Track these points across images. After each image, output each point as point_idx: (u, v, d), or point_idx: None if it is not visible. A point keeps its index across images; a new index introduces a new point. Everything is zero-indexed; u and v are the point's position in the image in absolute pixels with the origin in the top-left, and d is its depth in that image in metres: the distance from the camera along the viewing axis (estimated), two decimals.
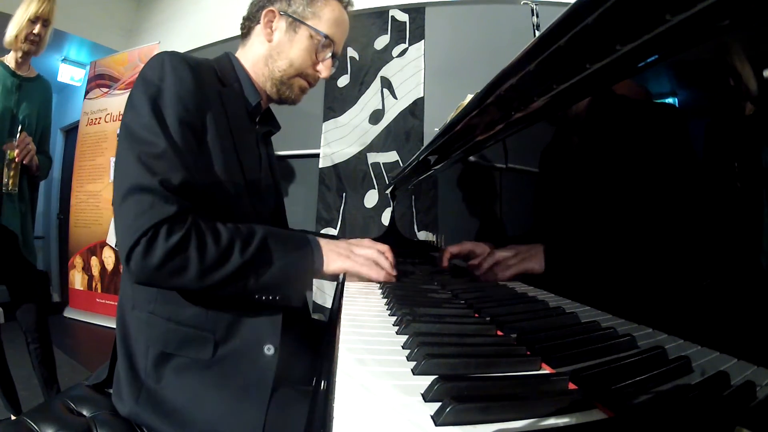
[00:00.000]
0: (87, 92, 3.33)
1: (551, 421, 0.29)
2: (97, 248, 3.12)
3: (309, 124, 2.37)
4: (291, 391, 0.65)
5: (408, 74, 2.19)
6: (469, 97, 0.78)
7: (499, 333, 0.49)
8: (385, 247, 0.80)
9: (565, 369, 0.37)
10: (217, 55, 0.84)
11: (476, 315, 0.57)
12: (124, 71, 3.14)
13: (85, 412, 0.68)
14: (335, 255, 0.73)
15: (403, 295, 0.65)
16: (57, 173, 4.01)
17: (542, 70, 0.47)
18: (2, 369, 1.49)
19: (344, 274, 0.75)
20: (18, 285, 1.53)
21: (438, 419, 0.28)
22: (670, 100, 0.36)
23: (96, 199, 3.16)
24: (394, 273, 0.78)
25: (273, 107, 0.93)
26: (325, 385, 0.34)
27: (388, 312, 0.57)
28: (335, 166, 2.32)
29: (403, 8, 2.23)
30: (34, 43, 1.50)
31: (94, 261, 3.13)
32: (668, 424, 0.28)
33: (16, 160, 1.44)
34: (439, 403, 0.29)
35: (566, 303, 0.49)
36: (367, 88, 2.29)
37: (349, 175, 2.28)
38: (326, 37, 0.81)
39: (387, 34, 2.26)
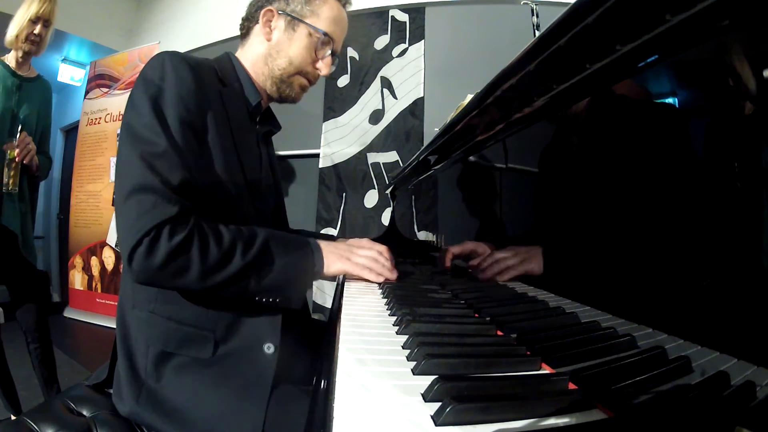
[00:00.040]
0: (87, 92, 3.33)
1: (551, 421, 0.29)
2: (97, 248, 3.12)
3: (309, 124, 2.37)
4: (291, 391, 0.65)
5: (408, 74, 2.19)
6: (469, 97, 0.78)
7: (499, 333, 0.49)
8: (383, 248, 0.81)
9: (565, 369, 0.37)
10: (217, 55, 0.85)
11: (476, 315, 0.57)
12: (124, 71, 3.14)
13: (85, 412, 0.68)
14: (335, 257, 0.73)
15: (403, 295, 0.65)
16: (57, 173, 4.01)
17: (542, 70, 0.47)
18: (2, 369, 1.49)
19: (344, 275, 0.76)
20: (18, 285, 1.53)
21: (438, 419, 0.28)
22: (670, 100, 0.36)
23: (96, 199, 3.16)
24: (395, 274, 0.78)
25: (273, 106, 0.93)
26: (325, 384, 0.34)
27: (388, 312, 0.57)
28: (335, 166, 2.32)
29: (403, 8, 2.23)
30: (34, 44, 1.50)
31: (94, 261, 3.13)
32: (668, 424, 0.28)
33: (17, 159, 1.44)
34: (439, 403, 0.29)
35: (566, 303, 0.49)
36: (367, 88, 2.29)
37: (349, 175, 2.28)
38: (325, 34, 0.81)
39: (387, 34, 2.26)
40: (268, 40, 0.82)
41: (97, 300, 3.10)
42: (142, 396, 0.64)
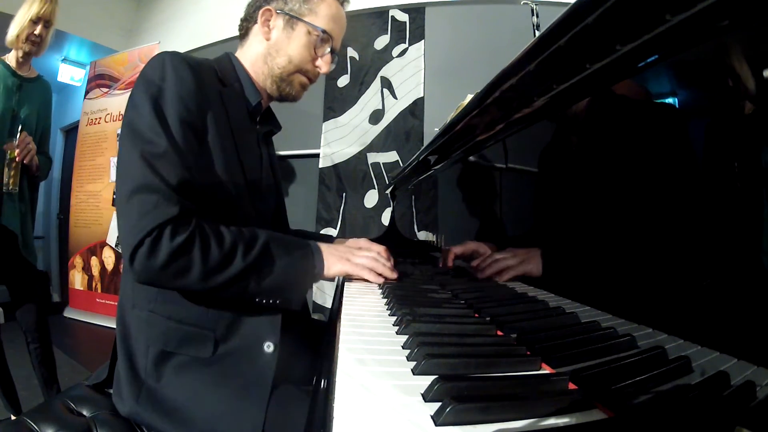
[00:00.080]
0: (87, 92, 3.33)
1: (551, 421, 0.29)
2: (97, 248, 3.12)
3: (309, 124, 2.37)
4: (291, 390, 0.65)
5: (408, 74, 2.19)
6: (469, 97, 0.78)
7: (499, 333, 0.49)
8: (381, 248, 0.81)
9: (565, 369, 0.37)
10: (218, 56, 0.85)
11: (476, 315, 0.57)
12: (124, 71, 3.14)
13: (85, 412, 0.68)
14: (335, 258, 0.74)
15: (403, 295, 0.65)
16: (57, 173, 4.01)
17: (542, 70, 0.47)
18: (2, 369, 1.49)
19: (344, 276, 0.76)
20: (18, 285, 1.53)
21: (438, 419, 0.28)
22: (670, 100, 0.36)
23: (96, 199, 3.16)
24: (395, 274, 0.79)
25: (273, 106, 0.93)
26: (325, 384, 0.34)
27: (388, 312, 0.57)
28: (335, 166, 2.32)
29: (403, 8, 2.23)
30: (35, 44, 1.50)
31: (94, 261, 3.13)
32: (668, 424, 0.28)
33: (17, 159, 1.44)
34: (439, 403, 0.29)
35: (566, 303, 0.49)
36: (367, 88, 2.29)
37: (349, 175, 2.28)
38: (324, 32, 0.82)
39: (387, 34, 2.26)
40: (267, 39, 0.82)
41: (97, 300, 3.10)
42: (142, 396, 0.64)
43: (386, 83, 2.24)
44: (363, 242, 0.83)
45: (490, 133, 0.71)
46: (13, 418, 1.44)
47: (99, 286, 3.10)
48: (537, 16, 1.22)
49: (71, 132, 3.88)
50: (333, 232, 2.29)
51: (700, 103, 0.33)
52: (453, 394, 0.30)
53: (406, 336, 0.45)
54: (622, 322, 0.40)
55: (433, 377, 0.32)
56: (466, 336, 0.47)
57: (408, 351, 0.41)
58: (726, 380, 0.27)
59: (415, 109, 2.16)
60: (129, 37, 3.51)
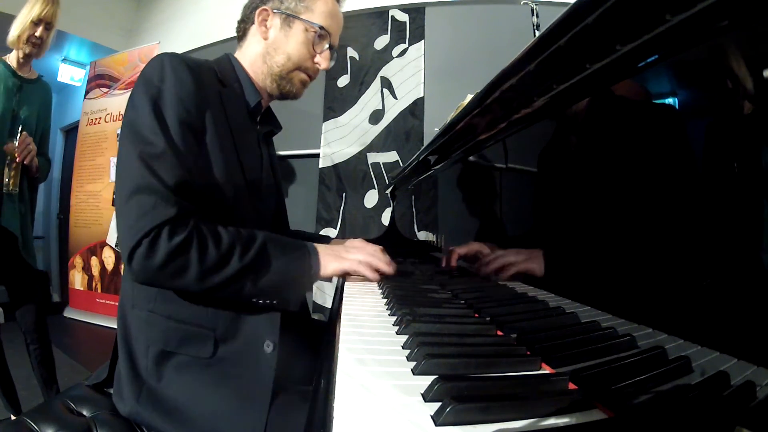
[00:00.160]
0: (87, 92, 3.33)
1: (551, 421, 0.29)
2: (97, 248, 3.12)
3: (309, 124, 2.37)
4: (291, 390, 0.65)
5: (408, 74, 2.19)
6: (469, 97, 0.78)
7: (499, 333, 0.49)
8: (377, 247, 0.81)
9: (565, 369, 0.37)
10: (217, 56, 0.85)
11: (476, 315, 0.57)
12: (124, 71, 3.14)
13: (85, 412, 0.68)
14: (331, 258, 0.73)
15: (403, 295, 0.65)
16: (57, 173, 4.01)
17: (542, 70, 0.47)
18: (2, 369, 1.49)
19: (343, 275, 0.76)
20: (17, 286, 1.53)
21: (438, 419, 0.28)
22: (669, 100, 0.36)
23: (96, 199, 3.16)
24: (391, 269, 0.79)
25: (273, 106, 0.93)
26: (325, 384, 0.34)
27: (388, 312, 0.57)
28: (335, 166, 2.32)
29: (403, 8, 2.23)
30: (35, 46, 1.50)
31: (94, 261, 3.13)
32: (668, 424, 0.28)
33: (17, 160, 1.44)
34: (439, 403, 0.29)
35: (566, 303, 0.50)
36: (367, 88, 2.29)
37: (349, 175, 2.28)
38: (321, 28, 0.82)
39: (387, 34, 2.26)
40: (265, 38, 0.83)
41: (97, 300, 3.10)
42: (142, 395, 0.65)
43: (386, 83, 2.24)
44: (359, 242, 0.83)
45: (490, 133, 0.71)
46: (13, 418, 1.44)
47: (99, 286, 3.10)
48: (537, 16, 1.22)
49: (71, 132, 3.88)
50: (333, 232, 2.29)
51: (700, 104, 0.33)
52: (453, 394, 0.30)
53: (406, 336, 0.45)
54: (622, 322, 0.40)
55: (433, 377, 0.32)
56: (466, 336, 0.47)
57: (408, 351, 0.41)
58: (726, 380, 0.27)
59: (415, 109, 2.16)
60: (129, 37, 3.51)
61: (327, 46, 0.84)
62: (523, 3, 1.23)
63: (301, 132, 2.33)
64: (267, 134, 0.94)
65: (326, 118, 2.36)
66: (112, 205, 2.99)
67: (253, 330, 0.69)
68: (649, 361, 0.33)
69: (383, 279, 0.78)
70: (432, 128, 1.99)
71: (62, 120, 4.00)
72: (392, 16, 2.25)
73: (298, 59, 0.82)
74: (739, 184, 0.28)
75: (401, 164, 2.13)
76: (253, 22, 0.83)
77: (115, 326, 0.72)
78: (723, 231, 0.29)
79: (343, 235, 2.22)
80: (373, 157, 2.24)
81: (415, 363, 0.37)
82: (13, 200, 1.48)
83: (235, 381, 0.65)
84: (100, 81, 3.25)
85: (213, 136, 0.70)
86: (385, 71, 2.25)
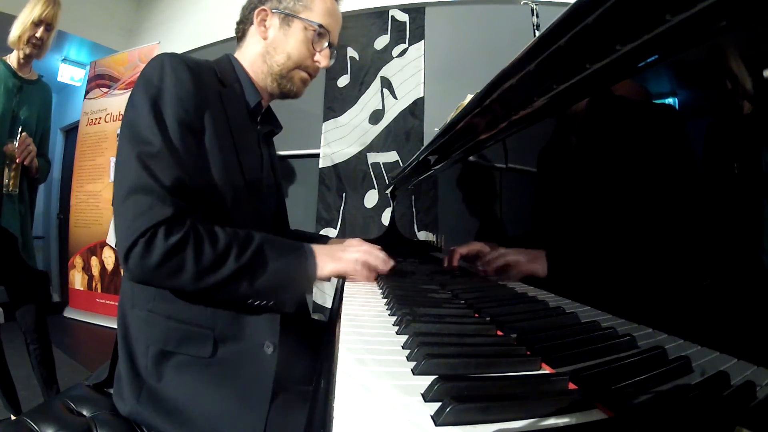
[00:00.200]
0: (87, 92, 3.33)
1: (551, 421, 0.29)
2: (97, 248, 3.12)
3: (309, 124, 2.37)
4: (291, 391, 0.65)
5: (408, 74, 2.19)
6: (469, 97, 0.78)
7: (499, 333, 0.49)
8: (375, 247, 0.81)
9: (565, 369, 0.37)
10: (217, 56, 0.85)
11: (476, 315, 0.57)
12: (124, 71, 3.14)
13: (85, 412, 0.68)
14: (328, 259, 0.73)
15: (403, 295, 0.65)
16: (57, 173, 4.01)
17: (542, 70, 0.47)
18: (2, 369, 1.49)
19: (342, 276, 0.76)
20: (17, 286, 1.53)
21: (438, 419, 0.28)
22: (669, 100, 0.36)
23: (96, 199, 3.16)
24: (388, 266, 0.78)
25: (273, 105, 0.93)
26: (325, 384, 0.34)
27: (388, 312, 0.57)
28: (335, 166, 2.32)
29: (403, 8, 2.23)
30: (36, 47, 1.50)
31: (94, 261, 3.13)
32: (668, 424, 0.28)
33: (17, 161, 1.44)
34: (439, 403, 0.29)
35: (566, 303, 0.49)
36: (367, 88, 2.29)
37: (349, 175, 2.28)
38: (320, 26, 0.82)
39: (387, 34, 2.26)
40: (264, 38, 0.83)
41: (97, 300, 3.10)
42: (142, 395, 0.65)
43: (386, 83, 2.24)
44: (356, 242, 0.83)
45: (490, 133, 0.71)
46: (13, 418, 1.44)
47: (99, 286, 3.10)
48: (537, 16, 1.22)
49: (71, 132, 3.88)
50: (333, 232, 2.29)
51: (699, 104, 0.33)
52: (453, 394, 0.30)
53: (406, 336, 0.45)
54: (622, 322, 0.40)
55: (433, 377, 0.32)
56: (466, 336, 0.47)
57: (408, 351, 0.41)
58: (726, 380, 0.27)
59: (415, 109, 2.16)
60: (129, 37, 3.51)
61: (326, 44, 0.84)
62: (523, 3, 1.23)
63: (301, 132, 2.33)
64: (267, 134, 0.94)
65: (326, 118, 2.36)
66: (112, 204, 2.99)
67: (254, 331, 0.69)
68: (649, 361, 0.33)
69: (383, 278, 0.78)
70: (432, 128, 1.99)
71: (62, 120, 4.00)
72: (392, 16, 2.25)
73: (298, 58, 0.83)
74: (739, 184, 0.28)
75: (401, 164, 2.13)
76: (251, 23, 0.84)
77: (115, 326, 0.72)
78: (723, 231, 0.29)
79: (343, 235, 2.22)
80: (373, 157, 2.24)
81: (415, 363, 0.37)
82: (13, 201, 1.48)
83: (234, 381, 0.65)
84: (100, 81, 3.25)
85: (212, 136, 0.70)
86: (385, 71, 2.25)
